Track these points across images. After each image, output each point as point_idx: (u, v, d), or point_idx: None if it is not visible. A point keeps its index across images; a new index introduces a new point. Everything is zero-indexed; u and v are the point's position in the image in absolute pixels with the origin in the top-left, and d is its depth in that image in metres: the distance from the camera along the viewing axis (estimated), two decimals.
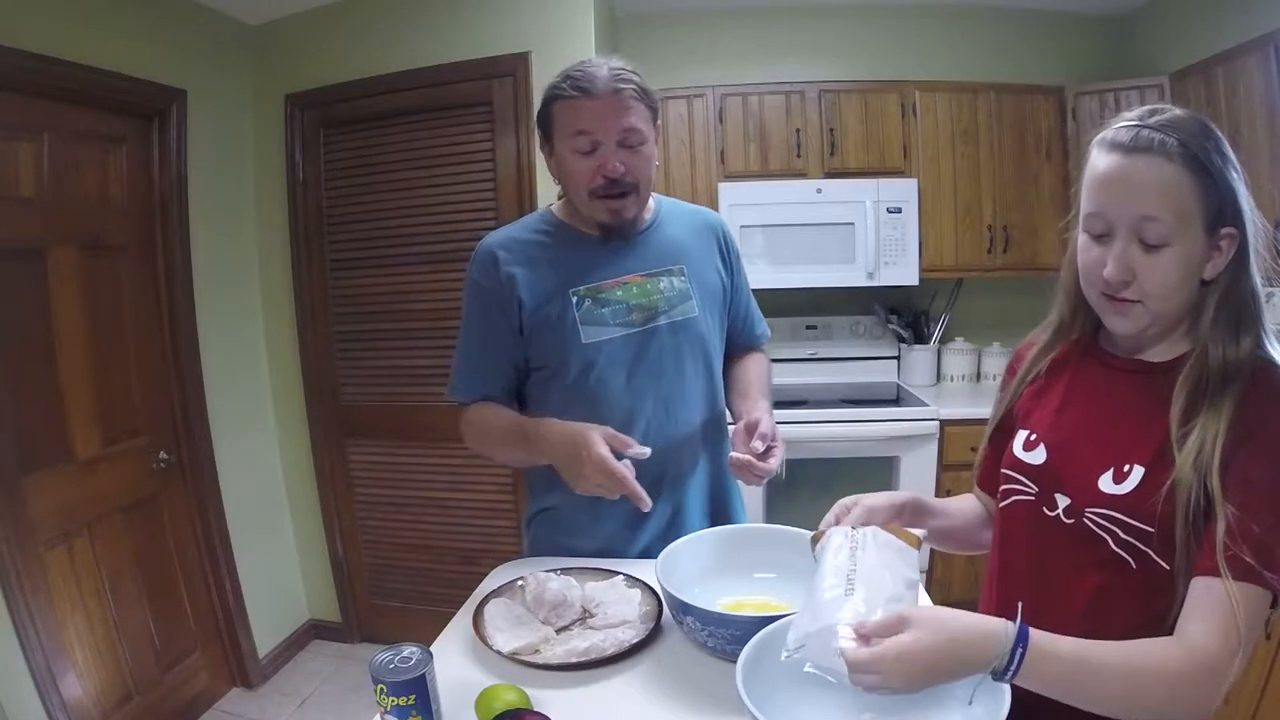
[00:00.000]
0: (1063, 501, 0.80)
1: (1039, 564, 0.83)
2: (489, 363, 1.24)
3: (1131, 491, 0.74)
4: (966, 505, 1.02)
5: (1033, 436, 0.87)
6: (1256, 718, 1.65)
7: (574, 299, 1.19)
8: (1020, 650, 0.63)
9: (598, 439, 1.03)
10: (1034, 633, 0.65)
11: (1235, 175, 0.73)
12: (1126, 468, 0.75)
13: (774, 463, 1.11)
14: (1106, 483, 0.76)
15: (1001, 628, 0.65)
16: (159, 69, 2.21)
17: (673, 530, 1.22)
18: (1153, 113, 0.74)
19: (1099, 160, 0.75)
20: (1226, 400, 0.71)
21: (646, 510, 1.03)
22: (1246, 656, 0.66)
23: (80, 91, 1.99)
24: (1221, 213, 0.72)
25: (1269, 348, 0.74)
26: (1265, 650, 1.63)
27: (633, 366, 1.20)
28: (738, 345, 1.38)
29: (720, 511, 1.31)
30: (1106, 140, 0.75)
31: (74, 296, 2.02)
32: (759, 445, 1.09)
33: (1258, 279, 0.75)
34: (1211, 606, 0.67)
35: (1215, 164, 0.71)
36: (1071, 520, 0.79)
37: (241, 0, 2.44)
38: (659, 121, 1.20)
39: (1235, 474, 0.68)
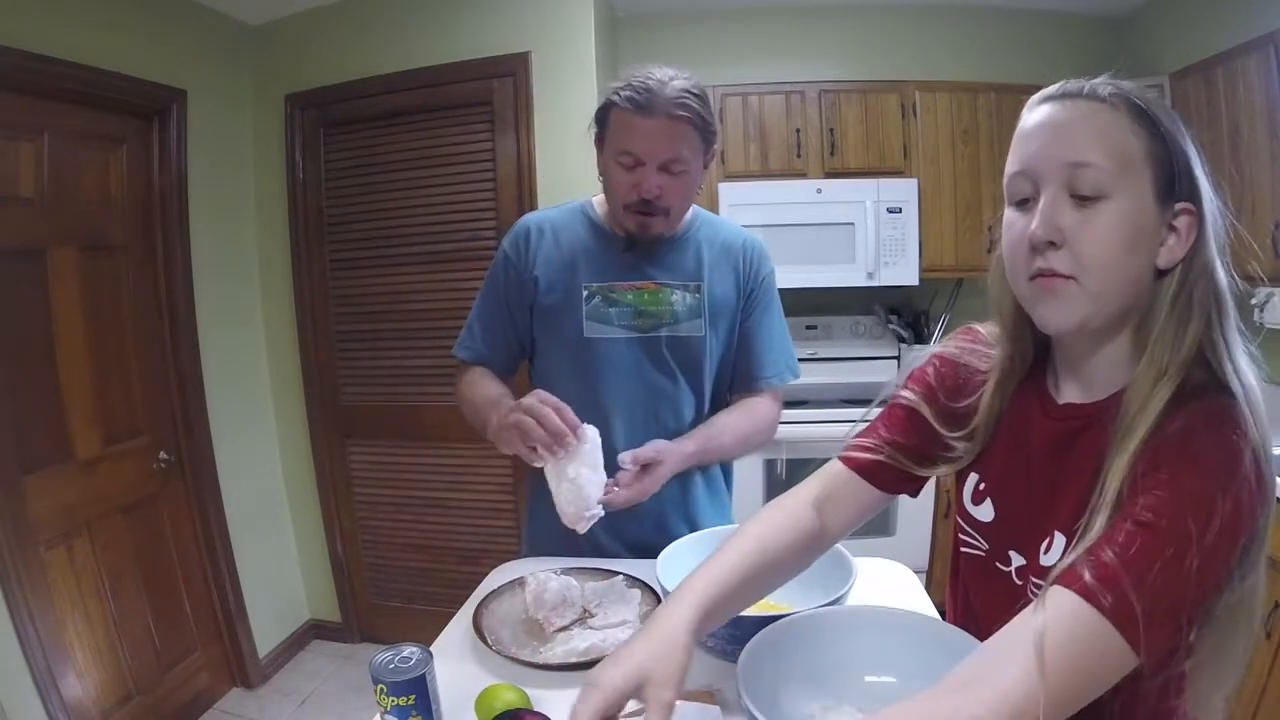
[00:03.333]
0: (1016, 560, 0.71)
1: (999, 618, 0.71)
2: (493, 330, 1.29)
3: (1055, 565, 0.62)
4: (783, 534, 0.77)
5: (981, 485, 0.76)
6: (1256, 718, 1.65)
7: (585, 293, 1.22)
8: None
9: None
10: None
11: (1190, 146, 0.61)
12: (1056, 535, 0.65)
13: (622, 494, 1.07)
14: (1042, 551, 0.67)
15: None
16: (159, 69, 2.21)
17: (657, 537, 1.21)
18: (1093, 78, 0.63)
19: (1026, 118, 0.64)
20: (1143, 416, 0.58)
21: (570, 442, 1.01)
22: (1069, 699, 0.52)
23: (80, 91, 1.99)
24: (1174, 181, 0.60)
25: (1225, 362, 0.59)
26: (1265, 650, 1.63)
27: (625, 369, 1.21)
28: (739, 380, 1.32)
29: (705, 520, 1.29)
30: (1035, 98, 0.65)
31: (74, 296, 2.01)
32: (627, 461, 1.08)
33: (1219, 268, 0.60)
34: (1021, 620, 0.55)
35: (1163, 120, 0.60)
36: (1021, 583, 0.70)
37: (241, 0, 2.44)
38: (717, 145, 1.19)
39: (1124, 503, 0.56)
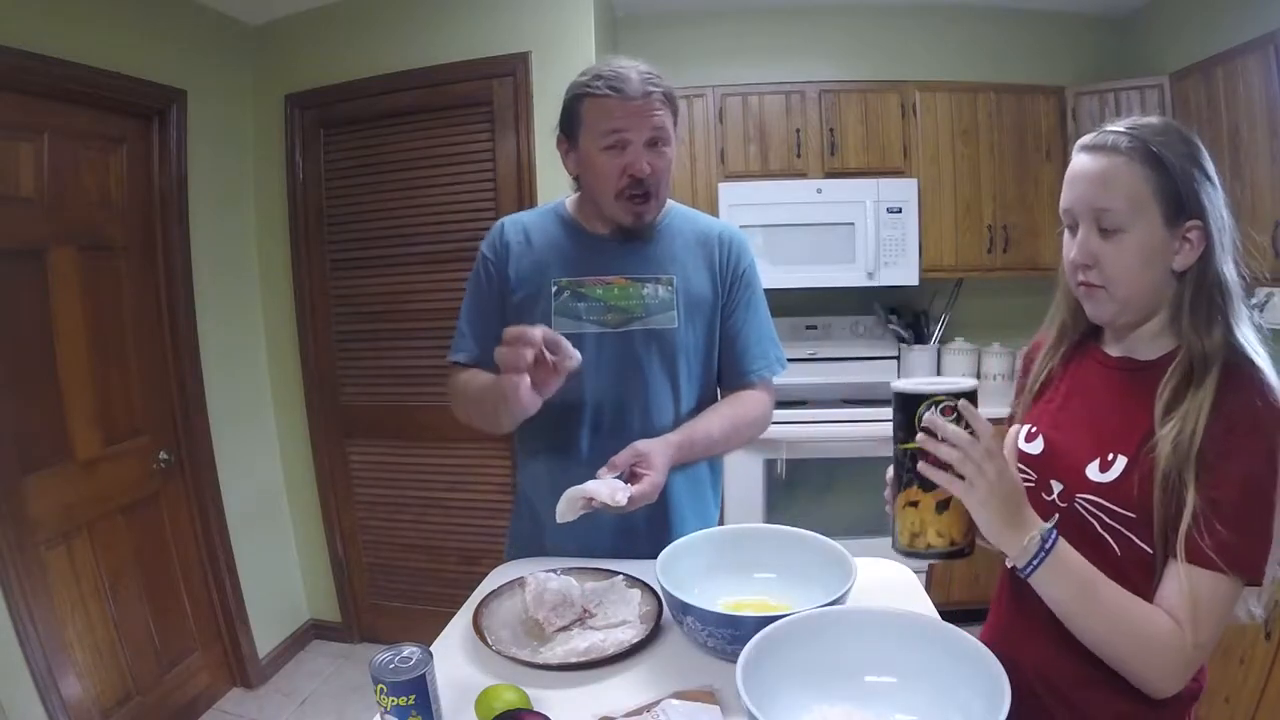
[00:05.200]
0: (1056, 487, 0.86)
1: None
2: (486, 329, 1.27)
3: (1115, 480, 0.80)
4: None
5: (1033, 429, 0.93)
6: (1256, 718, 1.65)
7: (554, 288, 1.22)
8: (1053, 535, 0.75)
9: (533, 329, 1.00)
10: (1061, 541, 0.75)
11: (1200, 175, 0.78)
12: (1111, 457, 0.81)
13: (621, 496, 1.01)
14: (1094, 471, 0.82)
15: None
16: (159, 69, 2.21)
17: (652, 536, 1.20)
18: (1129, 121, 0.81)
19: (1072, 162, 0.85)
20: (1205, 393, 0.75)
21: (575, 364, 1.01)
22: (1212, 639, 0.73)
23: (80, 91, 1.99)
24: (1182, 206, 0.77)
25: (1239, 338, 0.78)
26: (1265, 650, 1.63)
27: (597, 365, 1.20)
28: (727, 376, 1.31)
29: (698, 515, 1.29)
30: (1078, 145, 0.84)
31: (74, 296, 2.02)
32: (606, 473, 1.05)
33: (1226, 271, 0.79)
34: (1176, 591, 0.73)
35: (1170, 159, 0.77)
36: (1064, 505, 0.85)
37: (241, 0, 2.44)
38: (677, 128, 1.21)
39: (1207, 469, 0.73)
